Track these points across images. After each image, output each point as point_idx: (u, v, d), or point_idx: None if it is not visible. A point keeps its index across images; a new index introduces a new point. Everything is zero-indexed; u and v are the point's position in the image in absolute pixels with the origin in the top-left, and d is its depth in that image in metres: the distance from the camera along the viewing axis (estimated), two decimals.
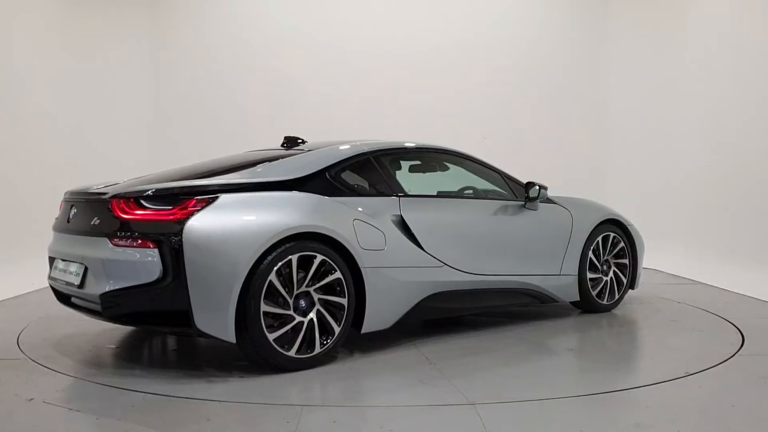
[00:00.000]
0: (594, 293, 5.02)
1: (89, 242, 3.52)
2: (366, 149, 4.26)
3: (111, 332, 4.42)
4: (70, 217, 3.81)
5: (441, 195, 4.68)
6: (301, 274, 3.53)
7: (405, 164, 4.80)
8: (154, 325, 3.64)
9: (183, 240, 3.23)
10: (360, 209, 3.88)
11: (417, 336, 4.34)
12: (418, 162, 4.85)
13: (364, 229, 3.80)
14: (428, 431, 2.74)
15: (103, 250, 3.40)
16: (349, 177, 4.06)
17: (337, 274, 3.62)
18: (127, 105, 9.00)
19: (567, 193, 5.32)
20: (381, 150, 4.34)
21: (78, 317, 4.37)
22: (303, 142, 4.58)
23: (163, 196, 3.40)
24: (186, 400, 3.09)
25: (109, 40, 8.89)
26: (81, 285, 3.54)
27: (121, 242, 3.34)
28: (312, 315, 3.55)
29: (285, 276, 3.46)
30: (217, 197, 3.42)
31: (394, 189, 4.20)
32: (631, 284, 5.34)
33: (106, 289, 3.35)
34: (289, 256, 3.45)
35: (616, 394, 3.17)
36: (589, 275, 4.99)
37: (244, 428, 2.78)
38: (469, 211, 4.51)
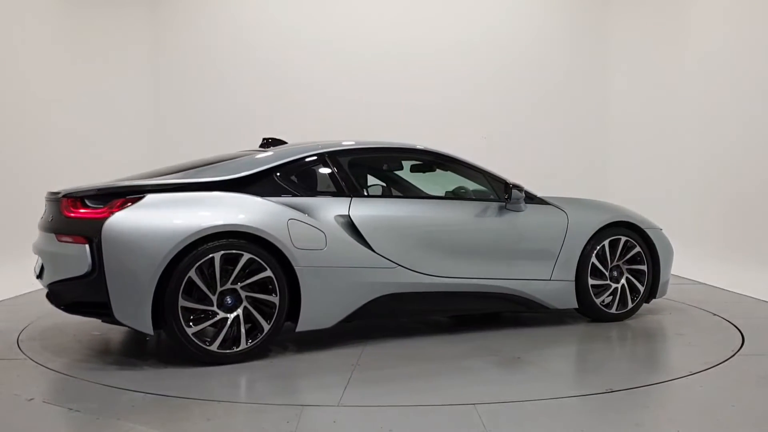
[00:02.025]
0: (599, 301, 4.67)
1: (46, 238, 3.87)
2: (321, 150, 4.26)
3: (111, 332, 4.42)
4: (44, 215, 4.09)
5: (406, 196, 4.58)
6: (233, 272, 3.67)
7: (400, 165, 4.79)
8: (92, 315, 3.82)
9: (102, 236, 3.48)
10: (299, 209, 3.90)
11: (370, 337, 4.30)
12: (387, 162, 4.79)
13: (300, 229, 3.82)
14: (428, 431, 2.74)
15: (51, 245, 3.76)
16: (298, 177, 4.11)
17: (267, 273, 3.69)
18: (127, 105, 9.00)
19: (572, 194, 5.19)
20: (339, 150, 4.33)
21: (78, 317, 4.37)
22: (283, 142, 4.64)
23: (101, 196, 3.67)
24: (186, 400, 3.09)
25: (109, 41, 8.89)
26: (39, 276, 3.95)
27: (63, 238, 3.67)
28: (238, 312, 3.66)
29: (208, 273, 3.60)
30: (143, 197, 3.63)
31: (348, 189, 4.18)
32: (651, 292, 4.90)
33: (51, 280, 3.73)
34: (212, 254, 3.58)
35: (616, 394, 3.17)
36: (592, 281, 4.64)
37: (244, 428, 2.78)
38: (433, 212, 4.35)
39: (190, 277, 3.54)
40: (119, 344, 4.16)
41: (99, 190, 3.71)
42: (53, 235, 3.74)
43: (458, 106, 9.12)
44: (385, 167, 4.84)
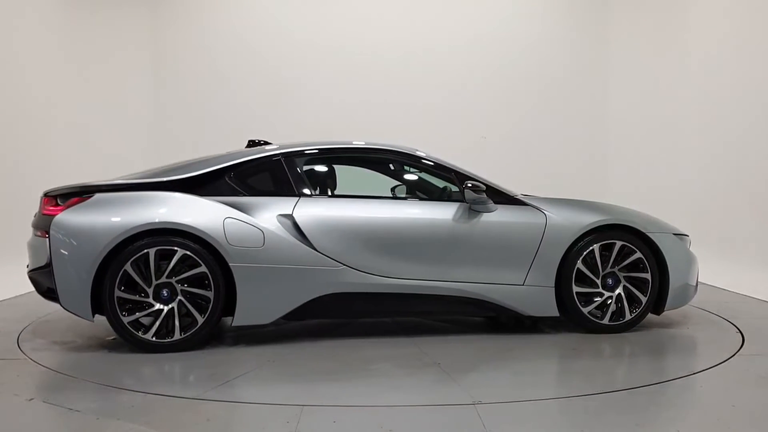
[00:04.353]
0: (586, 310, 4.34)
1: (32, 233, 4.23)
2: (276, 151, 4.39)
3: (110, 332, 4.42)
4: None
5: (359, 196, 4.38)
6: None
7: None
8: (56, 301, 4.05)
9: (50, 232, 3.89)
10: (241, 208, 4.05)
11: (322, 336, 4.37)
12: (349, 162, 4.72)
13: (237, 227, 3.98)
14: (428, 431, 2.74)
15: (32, 238, 4.18)
16: (249, 177, 4.27)
17: (202, 268, 3.91)
18: (128, 105, 9.01)
19: (572, 194, 5.11)
20: (295, 151, 4.40)
21: (76, 318, 4.38)
22: (267, 143, 4.71)
23: (65, 194, 4.05)
24: (186, 400, 3.09)
25: (110, 41, 8.90)
26: (28, 266, 4.26)
27: (37, 233, 4.10)
28: (173, 304, 3.91)
29: (144, 267, 3.89)
30: (91, 196, 3.99)
31: (298, 189, 4.25)
32: (659, 303, 4.49)
33: (29, 270, 4.17)
34: (146, 250, 3.86)
35: (616, 394, 3.17)
36: (579, 289, 4.32)
37: (244, 428, 2.79)
38: (386, 212, 4.24)
39: (126, 270, 3.84)
40: (120, 344, 4.15)
41: (62, 188, 4.10)
42: (33, 229, 4.18)
43: (457, 106, 9.13)
44: (346, 167, 4.76)
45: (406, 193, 4.74)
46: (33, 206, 4.37)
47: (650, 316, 4.68)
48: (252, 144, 4.82)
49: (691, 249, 4.70)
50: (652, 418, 2.89)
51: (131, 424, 2.76)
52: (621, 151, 9.19)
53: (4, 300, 5.73)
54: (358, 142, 4.66)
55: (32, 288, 5.06)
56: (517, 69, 9.18)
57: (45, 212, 4.05)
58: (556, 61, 9.21)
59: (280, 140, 4.83)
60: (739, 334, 4.39)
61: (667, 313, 4.97)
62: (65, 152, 8.10)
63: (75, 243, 3.86)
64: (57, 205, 4.02)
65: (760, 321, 4.87)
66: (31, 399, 3.11)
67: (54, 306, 4.19)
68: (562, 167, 9.08)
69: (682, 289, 4.52)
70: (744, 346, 4.08)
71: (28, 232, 4.27)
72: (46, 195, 4.13)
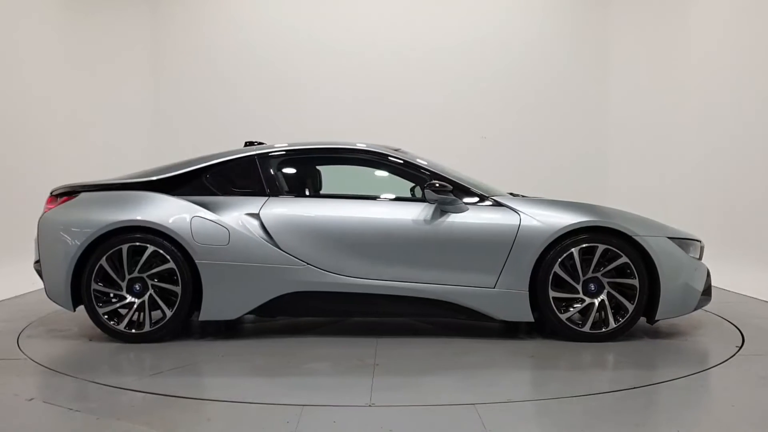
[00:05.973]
0: (565, 316, 4.13)
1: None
2: (252, 152, 4.50)
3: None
4: None
5: (329, 196, 4.42)
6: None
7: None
8: None
9: (38, 228, 4.22)
10: (210, 207, 4.21)
11: (293, 333, 4.45)
12: (325, 163, 4.74)
13: (204, 225, 4.13)
14: (428, 431, 2.75)
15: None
16: (224, 177, 4.42)
17: (170, 265, 4.10)
18: (128, 104, 9.01)
19: (572, 195, 5.09)
20: (271, 153, 4.50)
21: (76, 317, 4.39)
22: (261, 144, 4.78)
23: (61, 193, 4.34)
24: (186, 400, 3.09)
25: (110, 40, 8.90)
26: None
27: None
28: (145, 298, 4.14)
29: (117, 262, 4.13)
30: (77, 194, 4.28)
31: (269, 189, 4.35)
32: (649, 312, 4.20)
33: (34, 262, 4.40)
34: (119, 246, 4.10)
35: (616, 394, 3.17)
36: (556, 294, 4.11)
37: (244, 428, 2.78)
38: (352, 212, 4.20)
39: (101, 265, 4.09)
40: (119, 344, 4.16)
41: (64, 187, 4.35)
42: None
43: (457, 106, 9.13)
44: (321, 168, 4.79)
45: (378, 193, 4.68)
46: (33, 207, 4.42)
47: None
48: (248, 145, 4.83)
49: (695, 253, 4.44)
50: (651, 418, 2.89)
51: (131, 424, 2.76)
52: (621, 150, 9.19)
53: (4, 300, 5.73)
54: (334, 143, 4.62)
55: (32, 288, 5.20)
56: (517, 68, 9.18)
57: (46, 210, 4.32)
58: (557, 60, 9.21)
59: (281, 141, 4.84)
60: (739, 334, 4.39)
61: None
62: (66, 152, 8.10)
63: (57, 238, 4.13)
64: (56, 202, 4.31)
65: (760, 321, 4.87)
66: (31, 399, 3.11)
67: (54, 305, 4.21)
68: (563, 166, 9.08)
69: (680, 296, 4.19)
70: (744, 346, 4.08)
71: (28, 232, 4.35)
72: (51, 193, 4.40)
